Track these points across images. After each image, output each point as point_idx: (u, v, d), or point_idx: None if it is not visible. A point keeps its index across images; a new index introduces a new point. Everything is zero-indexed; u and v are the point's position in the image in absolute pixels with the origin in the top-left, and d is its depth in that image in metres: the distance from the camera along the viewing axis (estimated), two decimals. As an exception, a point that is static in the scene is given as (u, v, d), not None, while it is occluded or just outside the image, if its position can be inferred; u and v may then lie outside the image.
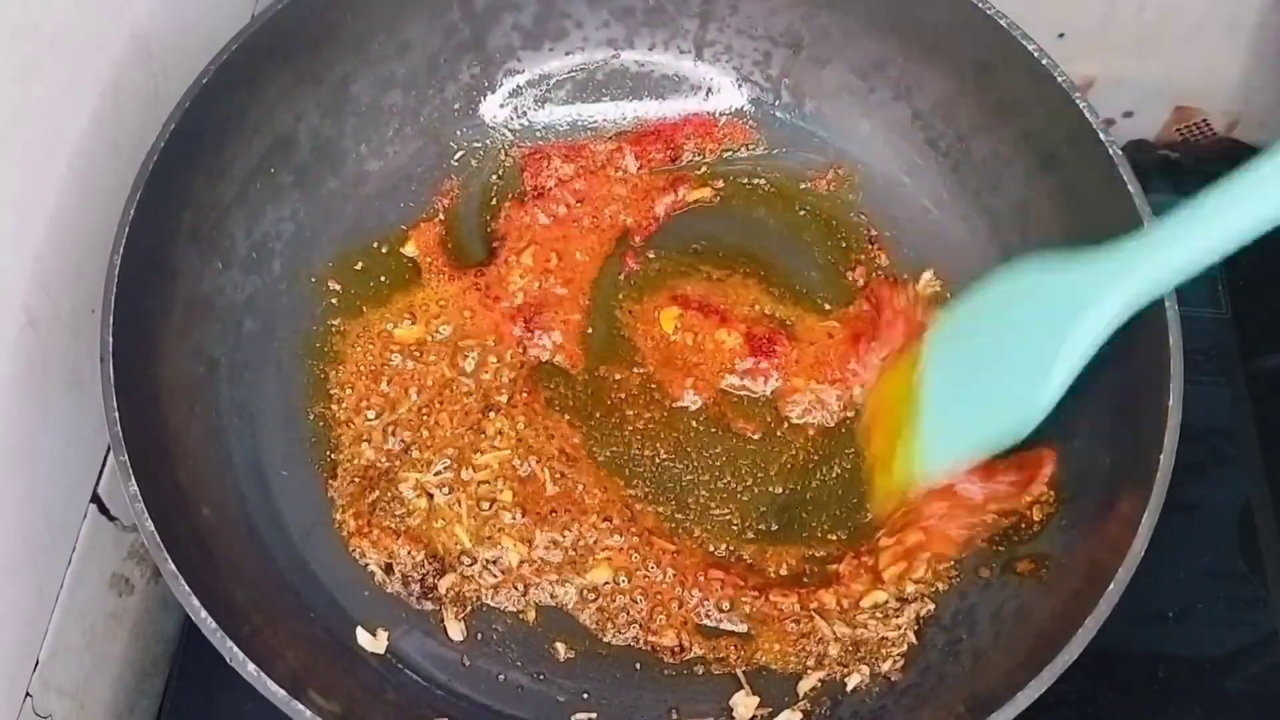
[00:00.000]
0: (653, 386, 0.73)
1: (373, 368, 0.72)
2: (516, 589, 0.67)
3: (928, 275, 0.75)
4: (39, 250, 0.60)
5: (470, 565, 0.67)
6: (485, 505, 0.68)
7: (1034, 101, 0.70)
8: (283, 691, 0.52)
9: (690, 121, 0.81)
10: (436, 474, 0.69)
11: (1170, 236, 0.57)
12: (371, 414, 0.71)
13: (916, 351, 0.68)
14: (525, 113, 0.81)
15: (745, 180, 0.80)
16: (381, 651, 0.64)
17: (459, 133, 0.80)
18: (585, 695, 0.65)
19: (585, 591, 0.67)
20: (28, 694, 0.61)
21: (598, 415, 0.72)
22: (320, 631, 0.64)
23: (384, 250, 0.76)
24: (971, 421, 0.64)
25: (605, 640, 0.66)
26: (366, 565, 0.67)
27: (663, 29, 0.81)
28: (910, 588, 0.67)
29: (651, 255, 0.77)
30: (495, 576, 0.67)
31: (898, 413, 0.67)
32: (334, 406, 0.71)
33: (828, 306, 0.75)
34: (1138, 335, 0.63)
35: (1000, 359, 0.63)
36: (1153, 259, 0.58)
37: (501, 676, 0.65)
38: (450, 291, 0.75)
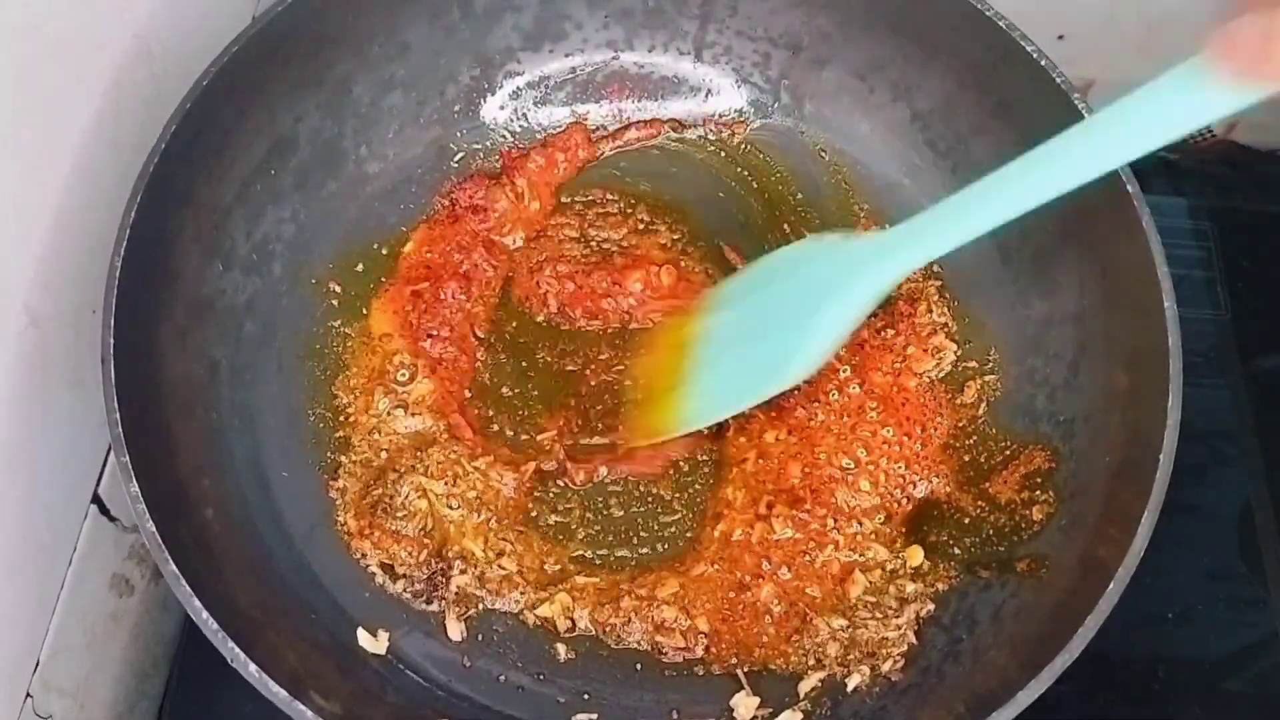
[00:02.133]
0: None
1: (374, 369, 0.72)
2: (518, 590, 0.67)
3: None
4: (40, 251, 0.60)
5: (472, 566, 0.67)
6: (489, 507, 0.69)
7: (1033, 103, 0.70)
8: (284, 692, 0.52)
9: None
10: (438, 474, 0.69)
11: (931, 225, 0.62)
12: (372, 415, 0.71)
13: (695, 309, 0.72)
14: (525, 114, 0.81)
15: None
16: (382, 652, 0.64)
17: (459, 134, 0.80)
18: (586, 696, 0.65)
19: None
20: (28, 694, 0.61)
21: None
22: (321, 632, 0.64)
23: (384, 252, 0.76)
24: (736, 381, 0.68)
25: (606, 641, 0.66)
26: (367, 566, 0.67)
27: (662, 31, 0.81)
28: (909, 588, 0.67)
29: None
30: (498, 576, 0.67)
31: (670, 362, 0.71)
32: (335, 407, 0.71)
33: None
34: (1139, 333, 0.63)
35: (773, 318, 0.67)
36: (905, 245, 0.63)
37: (502, 677, 0.65)
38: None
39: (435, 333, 0.73)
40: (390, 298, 0.75)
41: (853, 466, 0.70)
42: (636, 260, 0.77)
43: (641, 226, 0.79)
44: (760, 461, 0.71)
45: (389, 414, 0.71)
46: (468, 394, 0.73)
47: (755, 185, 0.80)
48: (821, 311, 0.64)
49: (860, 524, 0.69)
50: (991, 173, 0.59)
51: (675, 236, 0.78)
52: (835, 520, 0.69)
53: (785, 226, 0.79)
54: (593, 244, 0.78)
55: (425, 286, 0.74)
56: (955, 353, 0.74)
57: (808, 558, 0.68)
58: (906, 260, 0.63)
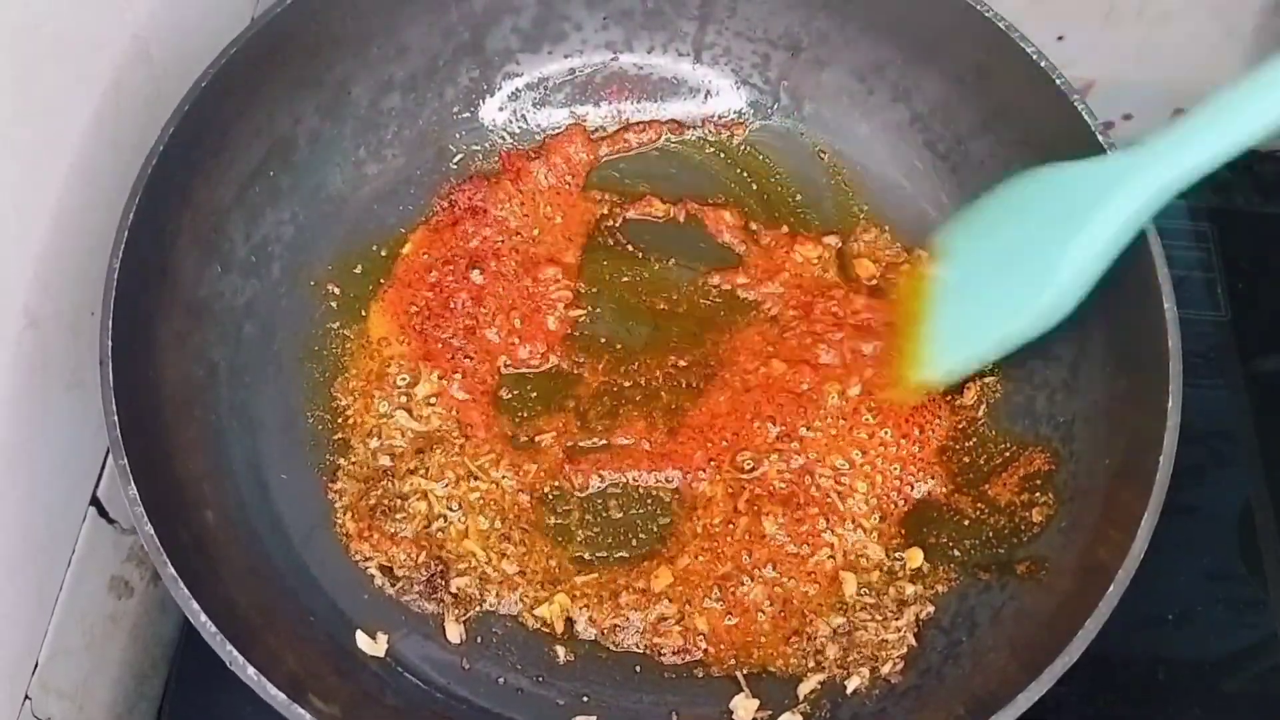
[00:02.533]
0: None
1: (373, 371, 0.72)
2: (518, 591, 0.67)
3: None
4: (39, 252, 0.60)
5: (472, 568, 0.67)
6: (489, 509, 0.69)
7: (1033, 104, 0.70)
8: (282, 695, 0.52)
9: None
10: (438, 476, 0.69)
11: (1186, 136, 0.57)
12: (372, 417, 0.71)
13: (931, 252, 0.69)
14: (524, 116, 0.81)
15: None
16: (381, 655, 0.64)
17: (458, 136, 0.80)
18: (585, 698, 0.65)
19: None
20: (27, 696, 0.61)
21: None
22: (320, 635, 0.64)
23: (383, 253, 0.76)
24: (989, 320, 0.64)
25: (605, 644, 0.66)
26: (366, 568, 0.67)
27: (661, 32, 0.81)
28: (909, 590, 0.67)
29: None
30: (498, 578, 0.67)
31: (914, 310, 0.68)
32: (334, 409, 0.71)
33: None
34: (1138, 335, 0.63)
35: (1016, 256, 0.63)
36: (1170, 156, 0.57)
37: (501, 680, 0.65)
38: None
39: (447, 338, 0.73)
40: (390, 299, 0.74)
41: (848, 468, 0.70)
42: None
43: (641, 227, 0.79)
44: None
45: (389, 416, 0.71)
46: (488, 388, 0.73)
47: (755, 186, 0.80)
48: (1071, 245, 0.59)
49: (855, 525, 0.69)
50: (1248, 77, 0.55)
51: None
52: (828, 520, 0.69)
53: (784, 228, 0.79)
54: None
55: (430, 297, 0.74)
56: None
57: (799, 558, 0.68)
58: (1163, 176, 0.57)
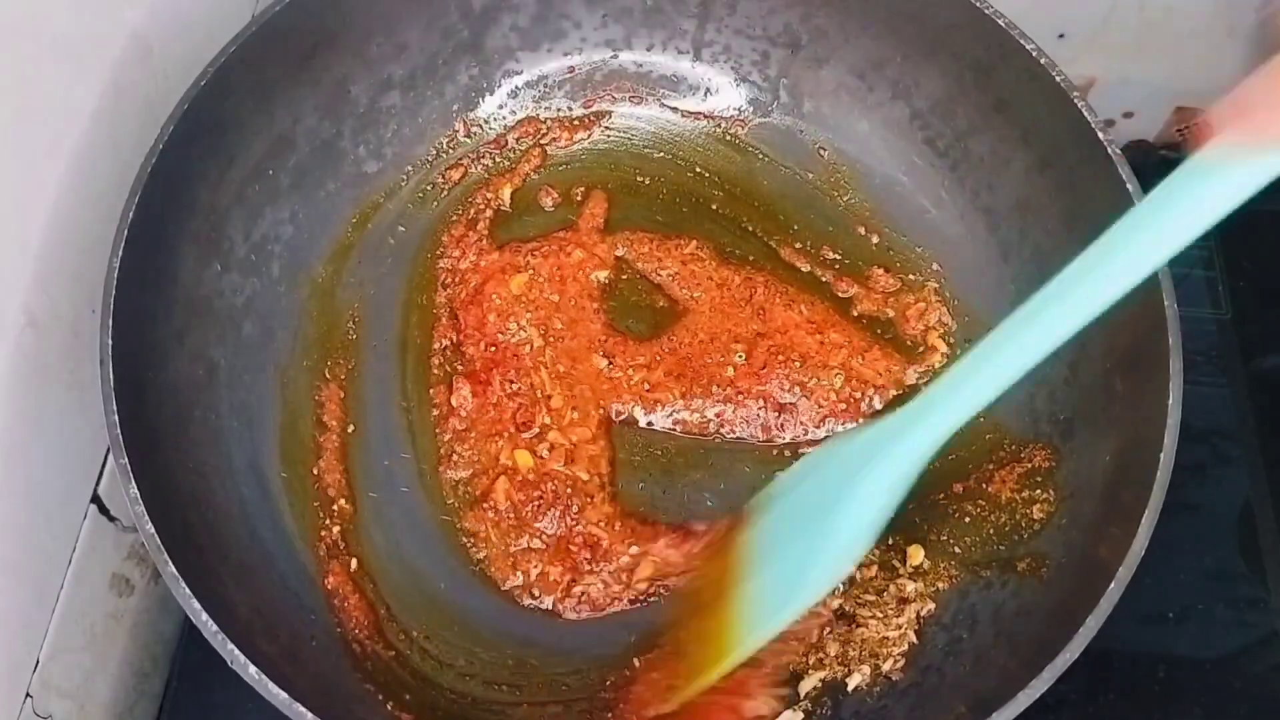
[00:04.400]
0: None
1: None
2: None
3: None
4: (39, 251, 0.60)
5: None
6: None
7: (1033, 101, 0.70)
8: (283, 694, 0.52)
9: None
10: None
11: (933, 401, 0.56)
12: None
13: (743, 522, 0.65)
14: (524, 114, 0.81)
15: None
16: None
17: (458, 134, 0.80)
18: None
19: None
20: (28, 694, 0.61)
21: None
22: (320, 633, 0.64)
23: (383, 252, 0.76)
24: (790, 581, 0.60)
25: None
26: (366, 567, 0.67)
27: (661, 29, 0.81)
28: (910, 587, 0.67)
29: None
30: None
31: (727, 579, 0.63)
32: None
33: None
34: (1139, 333, 0.63)
35: (809, 521, 0.61)
36: (923, 421, 0.56)
37: (504, 677, 0.65)
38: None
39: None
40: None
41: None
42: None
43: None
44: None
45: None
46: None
47: (754, 184, 0.80)
48: (837, 514, 0.58)
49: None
50: (997, 329, 0.54)
51: (674, 235, 0.78)
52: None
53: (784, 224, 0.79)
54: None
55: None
56: (944, 355, 0.73)
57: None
58: (918, 443, 0.56)
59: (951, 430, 0.55)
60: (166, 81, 0.69)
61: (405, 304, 0.75)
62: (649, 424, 0.71)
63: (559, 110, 0.81)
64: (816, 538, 0.59)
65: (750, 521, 0.64)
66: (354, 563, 0.67)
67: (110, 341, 0.57)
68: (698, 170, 0.80)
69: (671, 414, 0.72)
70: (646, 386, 0.72)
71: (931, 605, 0.66)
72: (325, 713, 0.52)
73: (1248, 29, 0.86)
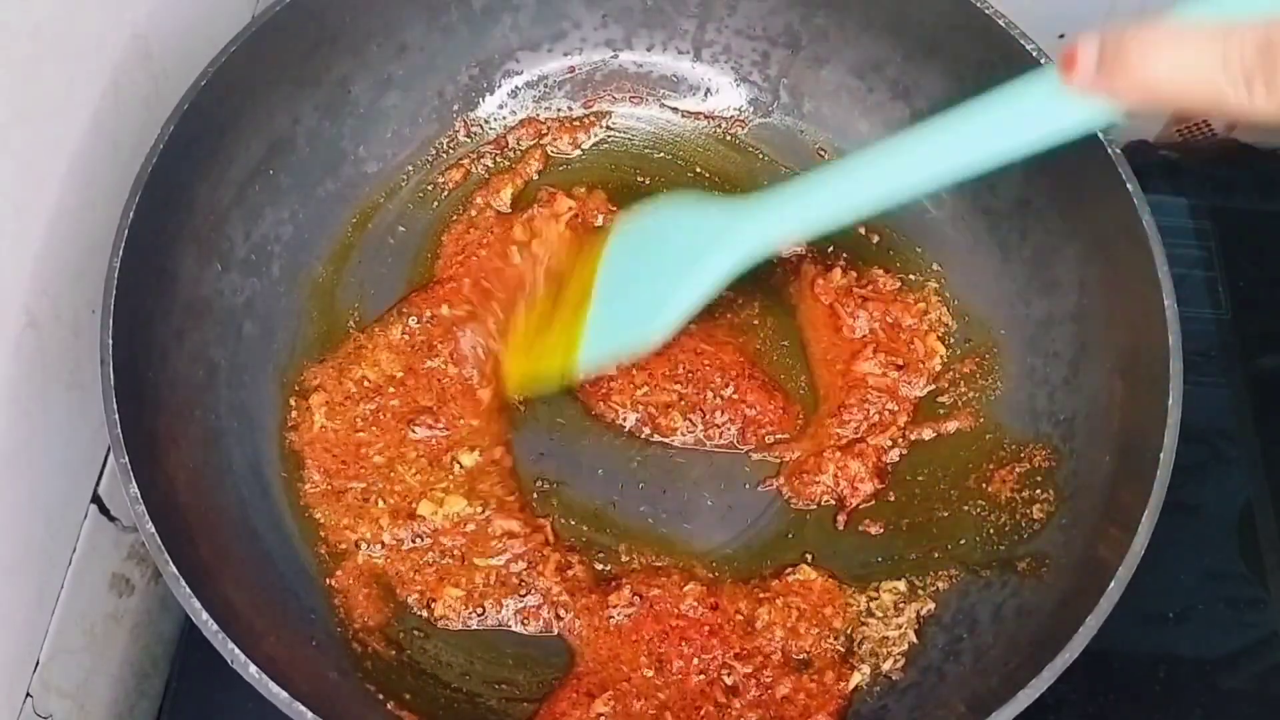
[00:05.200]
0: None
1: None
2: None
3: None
4: (39, 251, 0.60)
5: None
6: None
7: (1033, 102, 0.70)
8: (284, 693, 0.52)
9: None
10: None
11: (784, 199, 0.60)
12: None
13: (596, 250, 0.69)
14: (524, 114, 0.81)
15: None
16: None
17: (458, 134, 0.80)
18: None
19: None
20: (28, 694, 0.61)
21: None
22: (320, 633, 0.64)
23: (383, 252, 0.76)
24: (618, 327, 0.65)
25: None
26: (366, 566, 0.67)
27: (661, 29, 0.81)
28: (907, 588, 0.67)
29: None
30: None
31: (569, 300, 0.68)
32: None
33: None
34: (1139, 332, 0.63)
35: (649, 276, 0.65)
36: (767, 217, 0.61)
37: (505, 677, 0.65)
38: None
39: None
40: (388, 298, 0.75)
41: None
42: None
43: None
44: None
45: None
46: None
47: (755, 184, 0.80)
48: (685, 274, 0.62)
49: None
50: (847, 158, 0.60)
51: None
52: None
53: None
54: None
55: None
56: (943, 357, 0.73)
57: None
58: (765, 234, 0.61)
59: (806, 231, 0.61)
60: (166, 81, 0.69)
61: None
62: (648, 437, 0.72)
63: (559, 110, 0.81)
64: (657, 287, 0.63)
65: (607, 244, 0.68)
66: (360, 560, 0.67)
67: (110, 341, 0.57)
68: (698, 170, 0.81)
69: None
70: (644, 391, 0.72)
71: (931, 605, 0.66)
72: (325, 713, 0.52)
73: (1247, 29, 0.86)
